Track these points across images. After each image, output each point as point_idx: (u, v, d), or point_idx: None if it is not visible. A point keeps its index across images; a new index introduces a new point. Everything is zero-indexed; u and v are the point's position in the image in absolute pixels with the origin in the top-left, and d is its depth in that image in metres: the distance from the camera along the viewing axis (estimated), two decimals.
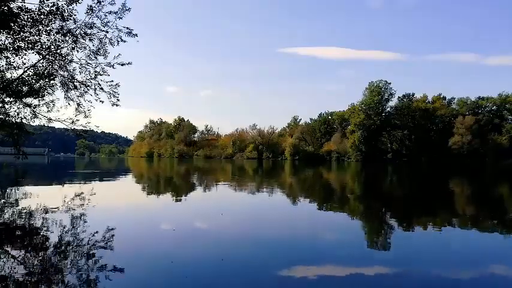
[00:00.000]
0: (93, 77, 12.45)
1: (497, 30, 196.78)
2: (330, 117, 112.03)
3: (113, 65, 12.31)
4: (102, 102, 12.77)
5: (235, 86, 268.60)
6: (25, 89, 12.00)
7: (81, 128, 13.33)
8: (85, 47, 12.08)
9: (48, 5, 10.71)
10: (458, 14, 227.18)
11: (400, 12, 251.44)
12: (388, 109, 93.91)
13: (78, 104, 12.75)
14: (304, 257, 5.41)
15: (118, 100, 12.85)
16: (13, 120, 12.51)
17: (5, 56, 11.18)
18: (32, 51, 11.36)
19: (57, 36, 11.48)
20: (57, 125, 24.26)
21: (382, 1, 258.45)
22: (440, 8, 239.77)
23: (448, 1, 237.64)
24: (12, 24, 10.37)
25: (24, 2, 10.48)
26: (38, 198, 11.62)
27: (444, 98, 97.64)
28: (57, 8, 10.83)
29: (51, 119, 12.81)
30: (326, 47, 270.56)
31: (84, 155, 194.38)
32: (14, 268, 4.57)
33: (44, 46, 11.46)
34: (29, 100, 12.47)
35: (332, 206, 11.35)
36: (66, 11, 11.02)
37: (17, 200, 11.11)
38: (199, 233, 7.27)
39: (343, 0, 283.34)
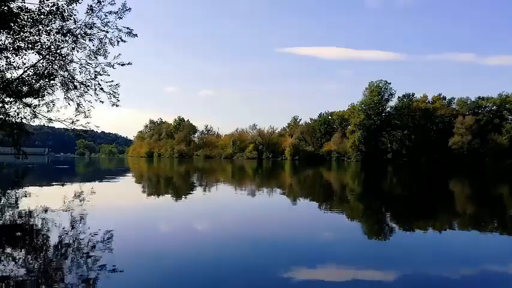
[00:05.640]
0: (93, 77, 12.49)
1: (497, 30, 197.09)
2: (330, 117, 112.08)
3: (113, 65, 12.34)
4: (102, 102, 12.81)
5: (235, 86, 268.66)
6: (25, 89, 12.00)
7: (81, 128, 13.38)
8: (85, 47, 12.12)
9: (48, 5, 10.72)
10: (458, 13, 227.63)
11: (400, 12, 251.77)
12: (388, 109, 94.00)
13: (78, 104, 12.79)
14: (304, 257, 5.41)
15: (118, 100, 12.91)
16: (13, 120, 12.52)
17: (5, 56, 11.19)
18: (32, 51, 11.37)
19: (57, 36, 11.49)
20: (57, 125, 24.25)
21: (382, 1, 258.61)
22: (440, 8, 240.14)
23: (448, 1, 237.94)
24: (12, 24, 10.37)
25: (24, 2, 10.49)
26: (38, 198, 11.61)
27: (444, 98, 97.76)
28: (57, 8, 10.84)
29: (51, 119, 12.84)
30: (326, 47, 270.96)
31: (84, 155, 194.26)
32: (14, 268, 4.57)
33: (44, 46, 11.47)
34: (29, 100, 12.50)
35: (332, 206, 11.34)
36: (66, 11, 11.03)
37: (16, 200, 11.10)
38: (199, 233, 7.27)
39: (343, 0, 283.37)
